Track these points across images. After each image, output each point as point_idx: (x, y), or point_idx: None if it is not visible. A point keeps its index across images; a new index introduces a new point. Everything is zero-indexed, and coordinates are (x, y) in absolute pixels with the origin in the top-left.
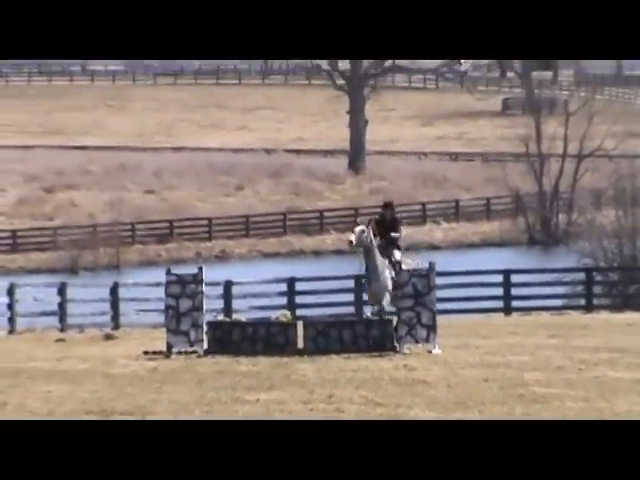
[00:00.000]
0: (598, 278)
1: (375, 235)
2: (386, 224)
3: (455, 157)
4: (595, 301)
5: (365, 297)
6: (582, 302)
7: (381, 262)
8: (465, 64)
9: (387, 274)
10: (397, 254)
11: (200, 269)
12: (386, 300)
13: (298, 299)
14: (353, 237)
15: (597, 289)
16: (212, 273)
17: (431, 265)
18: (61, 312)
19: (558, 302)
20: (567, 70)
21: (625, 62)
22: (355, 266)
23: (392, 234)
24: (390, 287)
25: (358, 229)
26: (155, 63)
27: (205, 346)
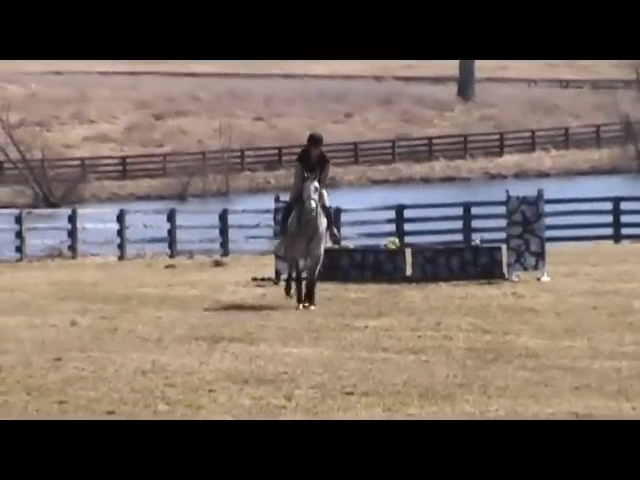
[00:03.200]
0: None
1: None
2: (311, 162)
3: (565, 84)
4: None
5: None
6: None
7: (322, 219)
8: None
9: (324, 232)
10: (327, 200)
11: None
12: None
13: (407, 226)
14: (313, 203)
15: None
16: None
17: (540, 192)
18: (170, 238)
19: None
20: None
21: None
22: (464, 194)
23: (320, 181)
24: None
25: (312, 188)
26: None
27: None
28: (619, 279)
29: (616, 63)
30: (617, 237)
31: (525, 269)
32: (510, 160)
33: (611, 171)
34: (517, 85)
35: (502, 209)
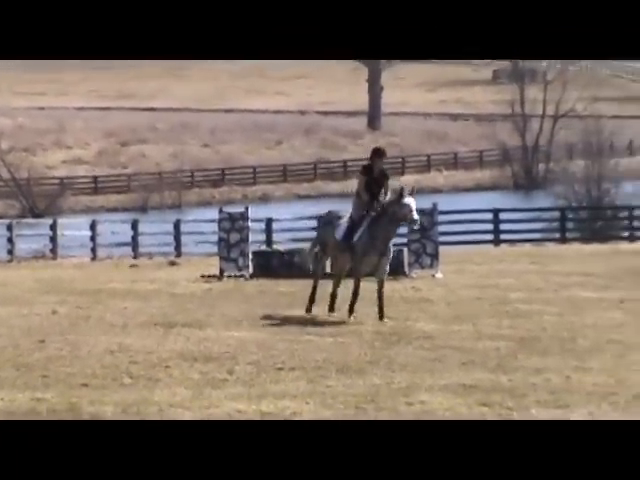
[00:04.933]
0: (570, 216)
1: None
2: (374, 176)
3: (454, 117)
4: (568, 234)
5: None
6: (557, 235)
7: None
8: None
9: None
10: None
11: (246, 208)
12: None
13: None
14: (417, 216)
15: (569, 225)
16: (256, 211)
17: (434, 205)
18: (134, 243)
19: (538, 235)
20: None
21: None
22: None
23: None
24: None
25: (414, 202)
26: None
27: (250, 271)
28: (498, 275)
29: (495, 100)
30: (497, 241)
31: (422, 268)
32: (410, 179)
33: (491, 188)
34: (415, 118)
35: None
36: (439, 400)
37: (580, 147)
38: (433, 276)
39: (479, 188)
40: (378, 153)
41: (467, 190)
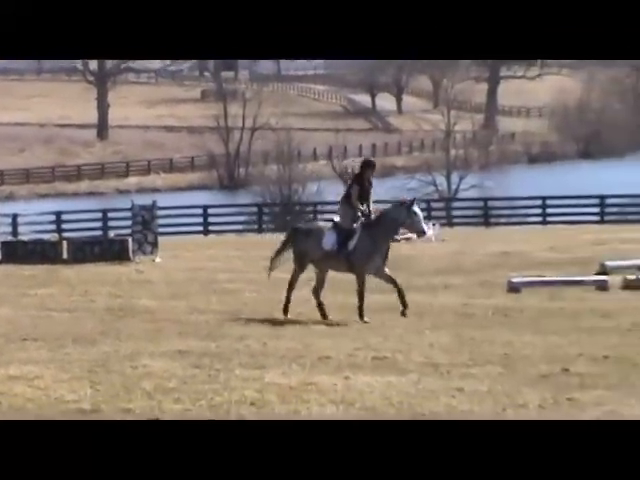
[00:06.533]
0: (266, 210)
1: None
2: (364, 187)
3: (170, 129)
4: (264, 226)
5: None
6: (255, 227)
7: None
8: (178, 65)
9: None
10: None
11: None
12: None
13: (64, 225)
14: (425, 226)
15: (265, 218)
16: (3, 208)
17: (154, 202)
18: None
19: (240, 227)
20: (244, 70)
21: (282, 64)
22: (104, 204)
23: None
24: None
25: (421, 213)
26: None
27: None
28: (208, 260)
29: (203, 115)
30: (206, 232)
31: (144, 254)
32: (133, 180)
33: (201, 188)
34: (137, 130)
35: (129, 213)
36: (159, 364)
37: (274, 154)
38: (153, 261)
39: (191, 188)
40: (370, 164)
41: (181, 190)
